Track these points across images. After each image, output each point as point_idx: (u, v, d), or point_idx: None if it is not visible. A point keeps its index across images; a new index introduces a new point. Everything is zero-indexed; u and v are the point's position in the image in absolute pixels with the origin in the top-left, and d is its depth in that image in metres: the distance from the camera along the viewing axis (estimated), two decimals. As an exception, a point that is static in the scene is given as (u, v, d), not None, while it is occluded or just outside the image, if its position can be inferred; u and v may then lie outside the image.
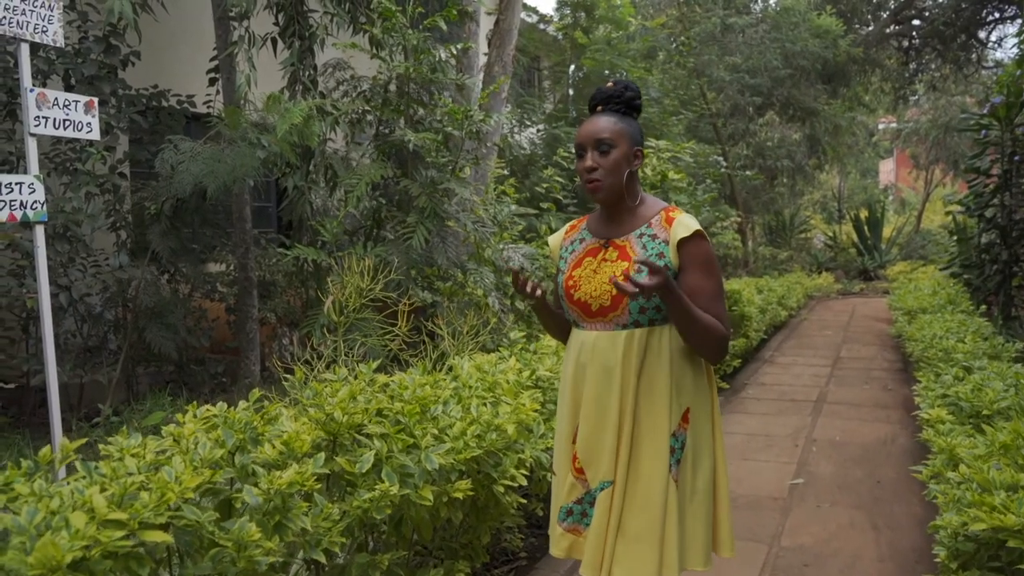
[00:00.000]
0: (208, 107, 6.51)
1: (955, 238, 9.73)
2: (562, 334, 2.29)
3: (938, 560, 2.12)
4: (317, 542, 2.02)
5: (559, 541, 2.16)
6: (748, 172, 14.35)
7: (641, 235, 2.06)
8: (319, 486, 2.01)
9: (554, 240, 2.31)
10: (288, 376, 2.82)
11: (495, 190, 6.50)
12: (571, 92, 13.37)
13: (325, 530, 2.04)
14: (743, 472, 4.84)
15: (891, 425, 5.87)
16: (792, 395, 7.02)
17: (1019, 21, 14.89)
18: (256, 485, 1.90)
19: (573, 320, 2.17)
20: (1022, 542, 1.75)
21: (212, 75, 6.30)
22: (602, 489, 2.03)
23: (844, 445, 5.38)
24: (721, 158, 13.36)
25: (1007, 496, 1.90)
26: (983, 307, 7.66)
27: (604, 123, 2.04)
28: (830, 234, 21.61)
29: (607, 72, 12.38)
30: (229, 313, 6.58)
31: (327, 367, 3.78)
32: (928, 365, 4.68)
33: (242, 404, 2.25)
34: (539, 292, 2.09)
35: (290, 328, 6.56)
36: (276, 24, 5.95)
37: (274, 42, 5.96)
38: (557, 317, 2.27)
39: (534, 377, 3.50)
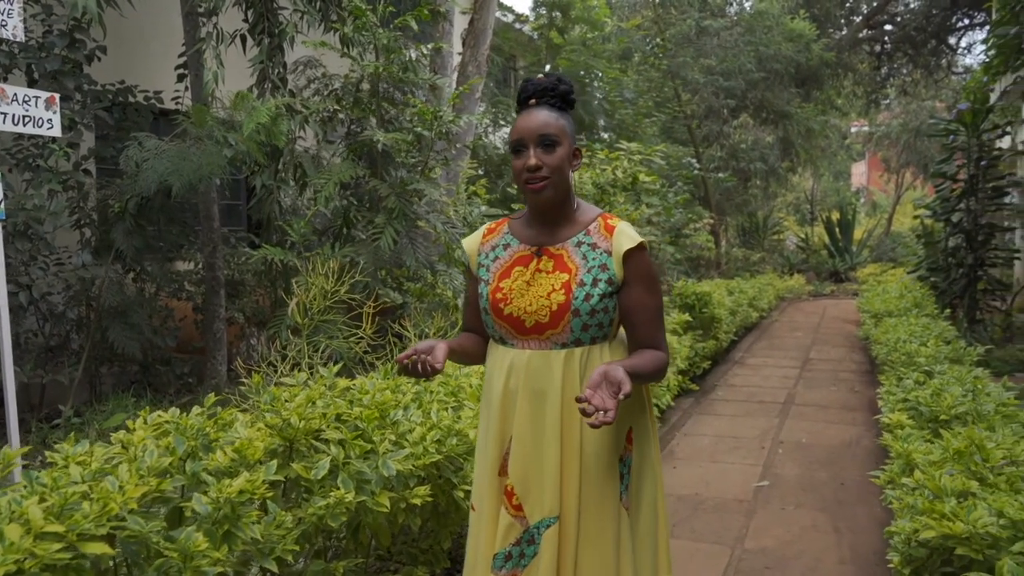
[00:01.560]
0: (176, 104, 6.42)
1: (922, 242, 9.87)
2: (478, 357, 2.02)
3: (891, 566, 2.14)
4: (270, 550, 1.99)
5: None
6: (722, 174, 14.44)
7: (579, 243, 1.88)
8: (271, 494, 1.98)
9: (470, 244, 2.03)
10: (245, 382, 2.78)
11: (466, 191, 6.48)
12: (546, 92, 13.35)
13: (279, 538, 2.01)
14: (711, 474, 4.86)
15: (856, 427, 5.93)
16: (761, 397, 7.07)
17: (988, 28, 15.12)
18: (206, 493, 1.87)
19: (499, 337, 1.92)
20: (970, 550, 1.77)
21: (180, 71, 6.22)
22: (547, 527, 1.80)
23: (810, 447, 5.42)
24: (695, 160, 13.43)
25: (957, 503, 1.92)
26: (948, 310, 7.78)
27: (546, 117, 1.84)
28: (802, 236, 21.84)
29: (583, 73, 12.40)
30: (196, 312, 6.50)
31: (292, 369, 3.75)
32: (892, 369, 4.73)
33: (195, 410, 2.22)
34: (435, 367, 1.76)
35: (258, 328, 6.50)
36: (245, 21, 5.89)
37: (243, 39, 5.89)
38: (467, 347, 2.00)
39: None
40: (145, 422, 2.13)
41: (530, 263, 1.89)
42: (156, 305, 6.20)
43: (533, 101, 1.87)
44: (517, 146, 1.84)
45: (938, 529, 1.81)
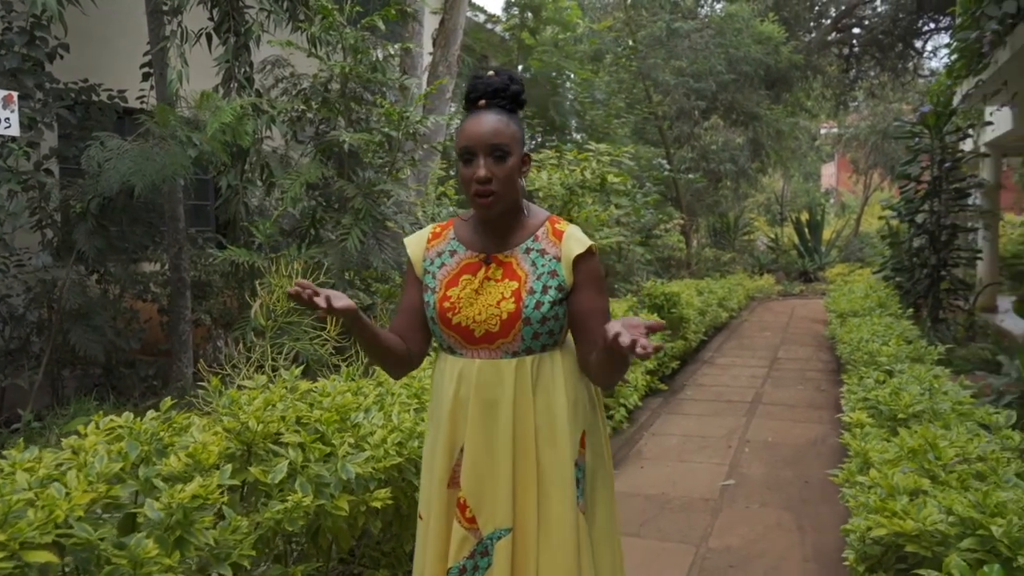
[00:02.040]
0: (141, 103, 6.34)
1: (888, 242, 10.01)
2: (390, 357, 1.90)
3: (846, 564, 2.17)
4: (226, 556, 1.97)
5: None
6: (692, 175, 14.54)
7: (528, 250, 1.84)
8: (225, 499, 1.96)
9: (415, 248, 1.95)
10: (204, 385, 2.75)
11: (436, 191, 6.46)
12: (519, 93, 13.36)
13: (235, 543, 1.99)
14: (678, 474, 4.89)
15: (822, 426, 6.00)
16: (729, 396, 7.13)
17: (952, 32, 15.39)
18: (158, 499, 1.85)
19: (447, 346, 1.87)
20: (920, 547, 1.79)
21: (145, 70, 6.14)
22: (499, 538, 1.77)
23: (776, 446, 5.48)
24: (665, 161, 13.52)
25: (908, 501, 1.95)
26: (912, 310, 7.90)
27: (497, 124, 1.76)
28: (772, 236, 22.06)
29: (554, 74, 12.42)
30: (162, 314, 6.41)
31: (257, 371, 3.71)
32: (855, 368, 4.79)
33: (150, 414, 2.19)
34: (342, 305, 1.65)
35: (225, 330, 6.43)
36: (211, 19, 5.82)
37: (208, 38, 5.82)
38: (390, 341, 1.89)
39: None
40: (98, 427, 2.10)
41: (478, 271, 1.84)
42: (120, 307, 6.11)
43: (483, 102, 1.79)
44: (466, 154, 1.77)
45: (889, 527, 1.83)
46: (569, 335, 1.92)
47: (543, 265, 1.82)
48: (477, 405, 1.79)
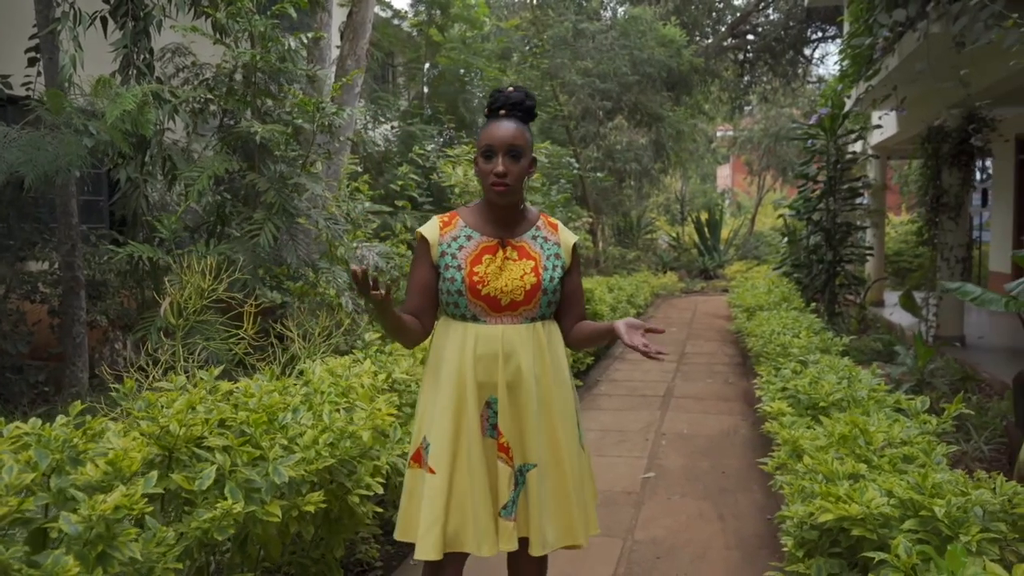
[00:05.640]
0: (28, 89, 5.90)
1: (786, 240, 10.43)
2: (410, 336, 2.21)
3: (786, 549, 2.20)
4: (148, 570, 1.83)
5: (512, 535, 2.13)
6: (599, 174, 14.76)
7: (535, 236, 2.25)
8: (151, 508, 1.81)
9: (431, 234, 2.24)
10: (117, 386, 2.56)
11: (348, 187, 6.29)
12: (426, 89, 13.25)
13: (158, 556, 1.85)
14: (599, 468, 4.90)
15: (733, 417, 6.17)
16: (642, 391, 7.25)
17: (839, 40, 16.20)
18: (75, 511, 1.69)
19: (471, 315, 2.18)
20: (865, 530, 1.83)
21: (32, 55, 5.71)
22: (528, 470, 2.15)
23: (691, 438, 5.60)
24: (573, 159, 13.67)
25: (850, 486, 1.99)
26: (812, 304, 8.24)
27: (516, 130, 2.13)
28: (674, 235, 22.68)
29: (462, 71, 12.36)
30: (52, 316, 5.99)
31: (165, 374, 3.50)
32: (768, 360, 4.93)
33: (59, 420, 2.01)
34: (383, 292, 2.00)
35: (124, 332, 6.07)
36: (106, 2, 5.47)
37: (104, 22, 5.47)
38: (410, 322, 2.19)
39: (390, 380, 3.38)
40: (1, 434, 1.91)
41: (496, 252, 2.20)
42: (6, 308, 5.67)
43: (503, 112, 2.17)
44: (488, 151, 2.13)
45: (835, 511, 1.87)
46: None
47: (548, 249, 2.25)
48: (504, 361, 2.13)
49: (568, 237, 2.30)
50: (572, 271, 2.28)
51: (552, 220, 2.33)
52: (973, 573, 1.41)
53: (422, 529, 2.08)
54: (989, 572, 1.45)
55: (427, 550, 2.05)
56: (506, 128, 2.13)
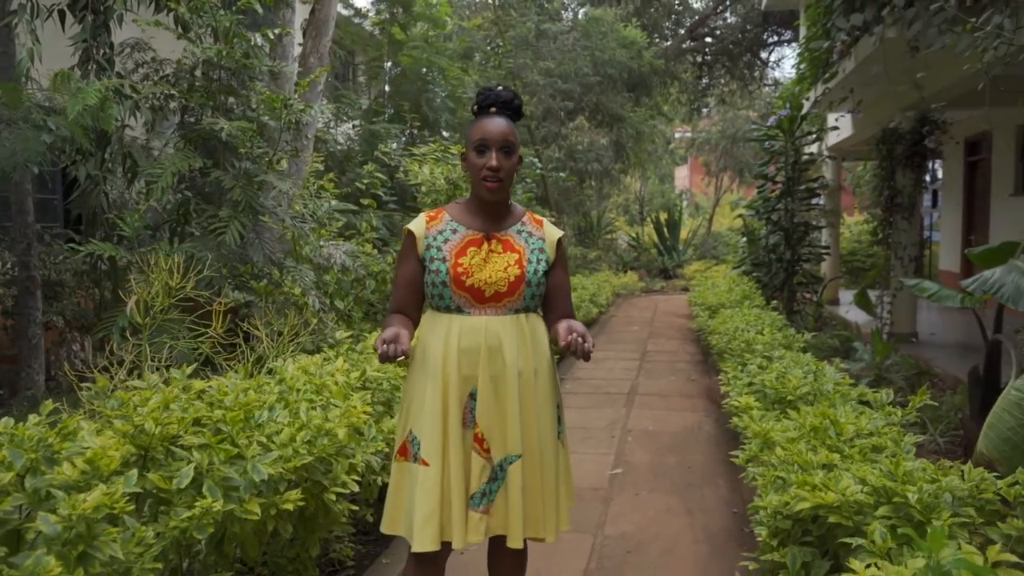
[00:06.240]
0: (-21, 84, 5.73)
1: (745, 239, 10.60)
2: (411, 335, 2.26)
3: (760, 539, 2.24)
4: (126, 571, 1.80)
5: (477, 526, 2.14)
6: (561, 174, 14.83)
7: (519, 231, 2.29)
8: (131, 507, 1.79)
9: (418, 228, 2.29)
10: (88, 385, 2.51)
11: (314, 185, 6.23)
12: (388, 88, 13.17)
13: (136, 556, 1.82)
14: (566, 465, 4.94)
15: (697, 413, 6.26)
16: (607, 388, 7.31)
17: (795, 44, 16.53)
18: (54, 511, 1.66)
19: (455, 306, 2.21)
20: (842, 517, 1.88)
21: (-17, 48, 5.56)
22: (511, 463, 2.16)
23: (657, 434, 5.66)
24: (536, 159, 13.72)
25: (824, 475, 2.04)
26: (772, 302, 8.40)
27: (508, 127, 2.19)
28: (633, 235, 22.88)
29: (424, 70, 12.31)
30: (6, 317, 5.83)
31: (129, 374, 3.43)
32: (732, 356, 5.01)
33: (33, 419, 1.97)
34: (404, 351, 2.04)
35: (81, 333, 5.93)
36: (64, -5, 5.35)
37: (62, 14, 5.34)
38: (408, 324, 2.24)
39: (363, 378, 3.37)
40: (-29, 436, 1.86)
41: (482, 245, 2.23)
42: (-43, 309, 5.51)
43: (494, 109, 2.22)
44: (481, 146, 2.17)
45: (812, 500, 1.92)
46: None
47: (533, 243, 2.28)
48: (487, 353, 2.16)
49: (553, 233, 2.33)
50: (557, 266, 2.31)
51: (537, 217, 2.37)
52: (951, 554, 1.46)
53: (419, 521, 2.09)
54: (966, 552, 1.50)
55: (426, 541, 2.07)
56: (499, 124, 2.18)
